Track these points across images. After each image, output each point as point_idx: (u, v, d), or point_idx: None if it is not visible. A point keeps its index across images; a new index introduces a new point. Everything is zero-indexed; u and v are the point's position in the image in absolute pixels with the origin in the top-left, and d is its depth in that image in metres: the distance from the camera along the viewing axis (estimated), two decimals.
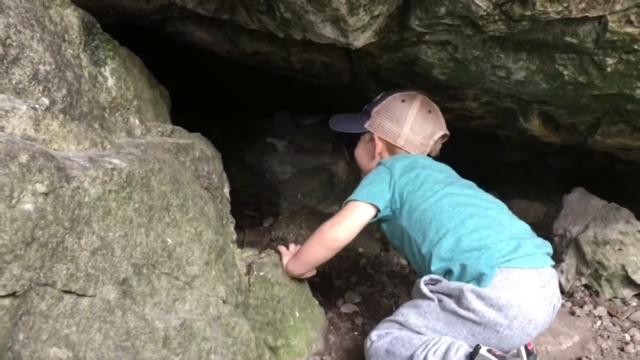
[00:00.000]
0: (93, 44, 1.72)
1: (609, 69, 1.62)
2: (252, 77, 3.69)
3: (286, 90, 3.75)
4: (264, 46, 2.24)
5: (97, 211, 1.10)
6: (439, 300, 1.59)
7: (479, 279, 1.54)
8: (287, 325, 1.79)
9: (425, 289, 1.62)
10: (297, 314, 1.85)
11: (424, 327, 1.59)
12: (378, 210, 1.78)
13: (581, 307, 2.23)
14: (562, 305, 2.26)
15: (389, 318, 1.71)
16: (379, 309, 2.29)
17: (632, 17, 1.48)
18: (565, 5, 1.47)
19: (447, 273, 1.63)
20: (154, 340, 1.17)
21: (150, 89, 1.99)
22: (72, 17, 1.44)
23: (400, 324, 1.64)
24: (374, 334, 1.68)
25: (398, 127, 1.97)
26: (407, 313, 1.65)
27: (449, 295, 1.58)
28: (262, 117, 4.17)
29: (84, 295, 1.05)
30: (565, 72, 1.70)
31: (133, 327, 1.14)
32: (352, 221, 1.77)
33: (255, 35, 2.17)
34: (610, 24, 1.50)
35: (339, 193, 3.29)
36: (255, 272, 1.78)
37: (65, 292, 1.01)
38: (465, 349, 1.47)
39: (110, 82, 1.76)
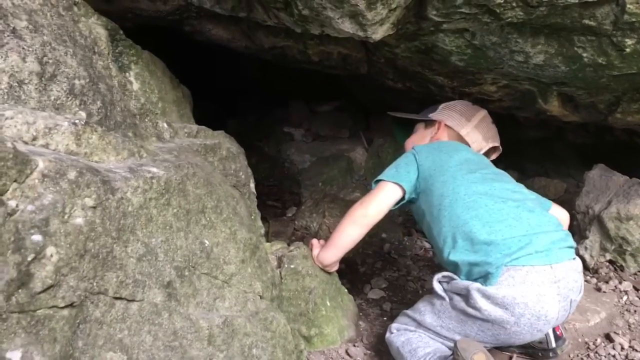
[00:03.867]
0: (117, 50, 1.77)
1: (628, 50, 1.63)
2: (266, 66, 3.71)
3: (300, 78, 3.77)
4: (281, 40, 2.27)
5: (140, 219, 1.15)
6: (450, 299, 1.63)
7: (485, 277, 1.56)
8: (320, 314, 1.84)
9: (438, 288, 1.67)
10: (328, 303, 1.90)
11: (438, 326, 1.66)
12: (404, 191, 1.84)
13: (607, 282, 2.25)
14: (587, 282, 2.29)
15: (409, 312, 1.78)
16: (405, 293, 2.33)
17: None
18: None
19: (457, 268, 1.65)
20: (199, 338, 1.22)
21: (172, 90, 2.03)
22: (99, 28, 1.48)
23: (418, 322, 1.72)
24: (394, 326, 1.78)
25: (466, 120, 2.12)
26: (423, 311, 1.71)
27: (458, 294, 1.61)
28: (277, 106, 4.20)
29: (133, 300, 1.10)
30: (584, 54, 1.71)
31: (179, 327, 1.19)
32: (380, 199, 1.84)
33: (272, 31, 2.20)
34: (628, 5, 1.50)
35: (359, 179, 3.33)
36: (286, 265, 1.83)
37: (117, 298, 1.06)
38: None
39: (136, 86, 1.81)
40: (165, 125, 1.63)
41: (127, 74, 1.79)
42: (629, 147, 2.89)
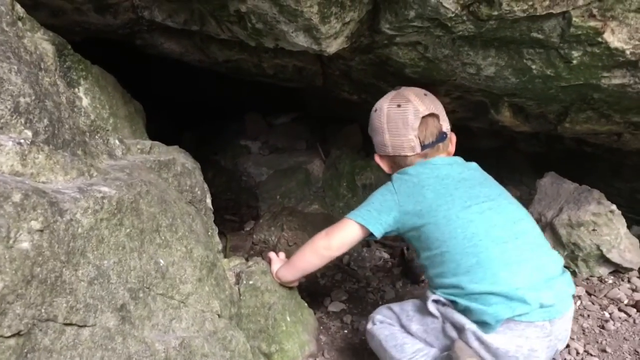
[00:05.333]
0: (65, 66, 1.72)
1: (575, 62, 1.67)
2: (222, 79, 3.68)
3: (256, 90, 3.75)
4: (235, 54, 2.25)
5: (90, 241, 1.11)
6: (443, 322, 1.60)
7: (482, 324, 1.51)
8: (280, 330, 1.82)
9: (432, 308, 1.61)
10: (288, 318, 1.87)
11: (422, 340, 1.64)
12: (372, 233, 1.72)
13: None
14: None
15: (396, 309, 1.73)
16: (366, 305, 2.33)
17: (594, 11, 1.53)
18: (530, 3, 1.51)
19: (454, 304, 1.58)
20: None
21: (124, 105, 1.99)
22: (45, 43, 1.44)
23: (402, 324, 1.69)
24: (377, 318, 1.75)
25: (381, 137, 1.82)
26: (412, 317, 1.67)
27: (452, 323, 1.57)
28: (233, 119, 4.17)
29: (85, 326, 1.06)
30: (533, 67, 1.75)
31: (134, 351, 1.15)
32: (344, 237, 1.76)
33: (226, 44, 2.18)
34: (574, 18, 1.55)
35: (317, 191, 3.32)
36: (244, 282, 1.80)
37: (67, 324, 1.02)
38: None
39: (85, 102, 1.76)
40: (117, 142, 1.59)
41: (76, 89, 1.74)
42: (578, 155, 2.98)
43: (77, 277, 1.06)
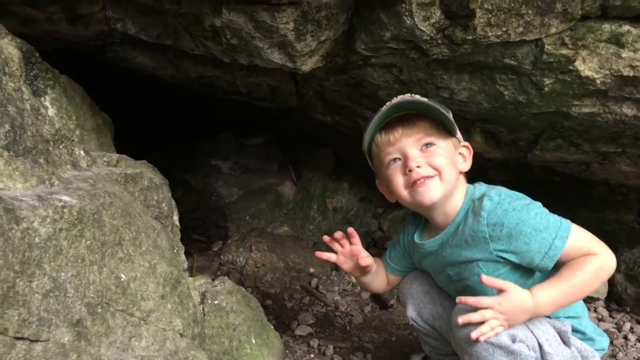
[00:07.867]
0: (32, 74, 1.68)
1: (546, 89, 1.70)
2: (193, 98, 3.64)
3: (228, 111, 3.72)
4: (209, 70, 2.23)
5: (48, 251, 1.06)
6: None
7: None
8: (244, 353, 1.76)
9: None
10: (253, 340, 1.83)
11: None
12: None
13: None
14: None
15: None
16: (333, 329, 2.29)
17: (567, 40, 1.56)
18: (504, 29, 1.53)
19: None
20: None
21: (92, 117, 1.95)
22: (11, 48, 1.39)
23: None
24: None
25: None
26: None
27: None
28: (204, 139, 4.13)
29: (37, 341, 1.00)
30: (506, 92, 1.77)
31: None
32: None
33: (199, 60, 2.16)
34: (546, 46, 1.58)
35: (287, 213, 3.29)
36: (209, 301, 1.75)
37: (18, 338, 0.97)
38: None
39: (51, 112, 1.72)
40: (82, 152, 1.54)
41: (43, 98, 1.69)
42: (546, 185, 3.00)
43: (32, 289, 1.01)
